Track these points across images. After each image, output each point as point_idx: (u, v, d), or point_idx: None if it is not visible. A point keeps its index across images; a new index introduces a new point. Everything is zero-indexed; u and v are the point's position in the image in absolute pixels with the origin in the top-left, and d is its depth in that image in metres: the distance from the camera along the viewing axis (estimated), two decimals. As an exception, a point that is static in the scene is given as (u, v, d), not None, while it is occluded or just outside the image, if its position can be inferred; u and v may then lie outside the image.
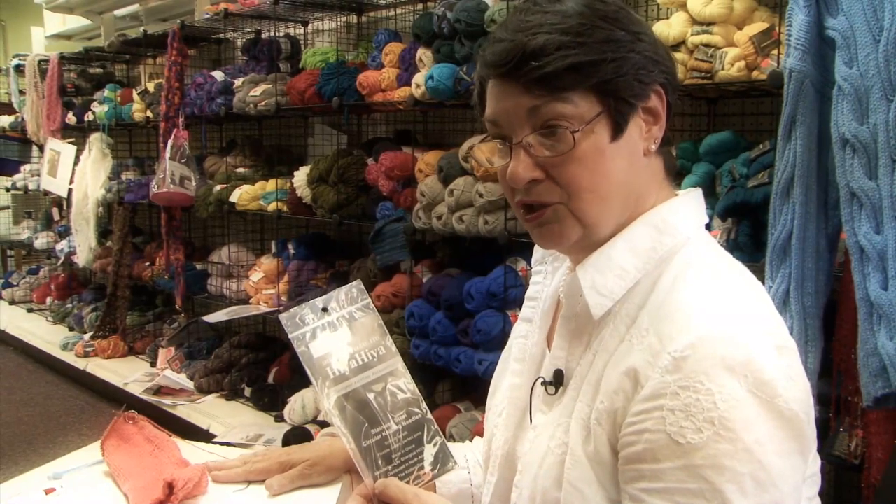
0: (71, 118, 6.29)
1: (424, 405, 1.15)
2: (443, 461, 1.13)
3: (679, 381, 0.89)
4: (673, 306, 0.96)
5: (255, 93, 4.29)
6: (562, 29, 0.96)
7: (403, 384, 1.14)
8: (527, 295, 1.25)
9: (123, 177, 5.81)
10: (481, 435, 1.29)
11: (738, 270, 1.03)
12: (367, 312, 1.16)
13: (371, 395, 1.11)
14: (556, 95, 0.97)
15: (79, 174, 5.90)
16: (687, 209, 1.06)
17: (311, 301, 1.15)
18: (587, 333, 1.05)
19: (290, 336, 1.12)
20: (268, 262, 4.61)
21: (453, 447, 1.35)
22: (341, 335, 1.14)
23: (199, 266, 5.14)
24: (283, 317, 1.13)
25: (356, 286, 1.18)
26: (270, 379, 4.46)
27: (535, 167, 1.00)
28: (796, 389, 0.91)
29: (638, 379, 0.93)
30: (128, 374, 5.13)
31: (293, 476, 1.22)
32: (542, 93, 0.97)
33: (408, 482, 1.09)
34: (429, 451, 1.12)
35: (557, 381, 1.07)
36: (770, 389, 0.89)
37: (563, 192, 1.00)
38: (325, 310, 1.14)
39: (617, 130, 0.99)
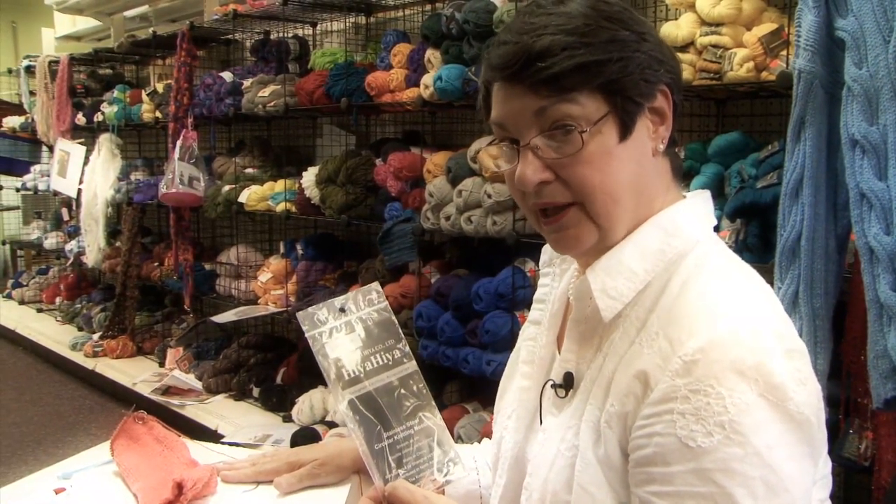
0: (80, 119, 6.31)
1: (437, 410, 1.15)
2: (453, 466, 1.14)
3: (689, 385, 0.89)
4: (682, 310, 0.96)
5: (263, 93, 4.30)
6: (567, 30, 0.96)
7: (417, 389, 1.15)
8: (535, 297, 1.24)
9: (132, 177, 5.83)
10: (489, 436, 1.29)
11: (746, 273, 1.03)
12: (383, 315, 1.17)
13: (384, 399, 1.12)
14: (562, 96, 0.96)
15: (88, 174, 5.93)
16: (695, 211, 1.06)
17: (328, 301, 1.15)
18: (597, 336, 1.05)
19: (306, 335, 1.12)
20: (276, 263, 4.61)
21: (462, 448, 1.35)
22: (357, 337, 1.14)
23: (207, 266, 5.15)
24: (300, 315, 1.13)
25: (374, 288, 1.18)
26: (279, 379, 4.46)
27: (544, 169, 0.99)
28: (806, 393, 0.91)
29: (648, 382, 0.93)
30: (136, 374, 5.15)
31: (302, 475, 1.23)
32: (549, 93, 0.96)
33: (418, 486, 1.09)
34: (439, 456, 1.13)
35: (567, 383, 1.07)
36: (780, 393, 0.88)
37: (574, 193, 1.00)
38: (342, 310, 1.15)
39: (624, 131, 0.99)
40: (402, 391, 1.13)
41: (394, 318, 1.18)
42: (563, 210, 1.01)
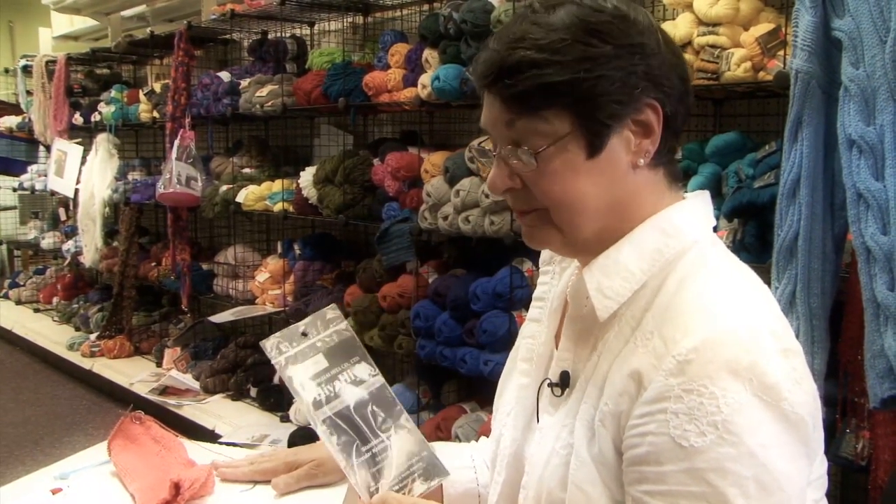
0: (78, 119, 6.30)
1: (409, 418, 1.18)
2: (435, 472, 1.15)
3: (683, 385, 0.89)
4: (678, 309, 0.96)
5: (261, 93, 4.30)
6: (540, 45, 0.95)
7: (388, 400, 1.18)
8: (534, 295, 1.25)
9: (130, 177, 5.82)
10: (487, 435, 1.30)
11: (743, 273, 1.03)
12: (344, 335, 1.20)
13: (358, 414, 1.14)
14: (528, 112, 0.98)
15: (85, 174, 5.92)
16: (694, 212, 1.06)
17: (290, 327, 1.18)
18: (593, 335, 1.05)
19: (273, 362, 1.15)
20: (274, 263, 4.61)
21: (460, 447, 1.36)
22: (322, 358, 1.17)
23: (205, 266, 5.15)
24: (264, 344, 1.15)
25: (331, 310, 1.22)
26: (276, 379, 4.46)
27: (512, 177, 1.02)
28: (802, 393, 0.91)
29: (642, 381, 0.93)
30: (134, 374, 5.14)
31: (299, 476, 1.23)
32: (517, 109, 0.98)
33: (403, 494, 1.11)
34: (418, 463, 1.14)
35: (563, 382, 1.07)
36: (775, 393, 0.88)
37: (539, 202, 1.02)
38: (304, 334, 1.17)
39: (592, 148, 0.98)
40: (374, 405, 1.16)
41: (355, 335, 1.22)
42: (529, 211, 1.04)
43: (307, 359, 1.16)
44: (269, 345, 1.15)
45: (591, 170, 0.99)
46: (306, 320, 1.19)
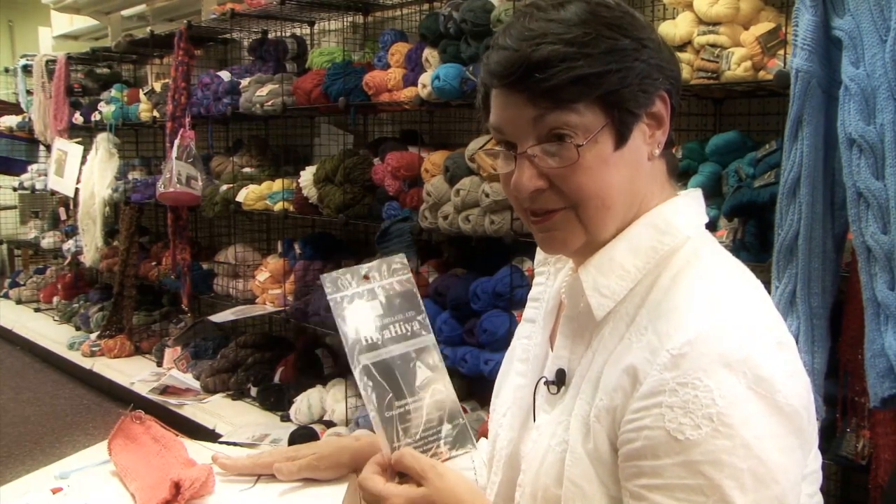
0: (78, 118, 6.31)
1: (450, 384, 1.15)
2: (461, 442, 1.13)
3: (678, 378, 0.90)
4: (671, 304, 0.96)
5: (261, 93, 4.30)
6: (566, 39, 0.95)
7: (432, 361, 1.14)
8: (530, 296, 1.25)
9: (130, 176, 5.83)
10: (486, 435, 1.30)
11: (737, 268, 1.03)
12: (406, 286, 1.16)
13: (399, 368, 1.11)
14: (560, 106, 0.96)
15: (85, 174, 5.92)
16: (687, 209, 1.07)
17: (354, 266, 1.15)
18: (588, 332, 1.06)
19: (328, 297, 1.11)
20: (274, 262, 4.61)
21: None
22: (378, 304, 1.14)
23: (205, 266, 5.15)
24: (324, 277, 1.12)
25: (399, 259, 1.18)
26: (276, 378, 4.46)
27: (540, 177, 1.00)
28: (795, 385, 0.92)
29: (637, 376, 0.94)
30: (134, 373, 5.14)
31: (302, 465, 1.23)
32: (547, 104, 0.97)
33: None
34: (448, 431, 1.13)
35: (560, 380, 1.07)
36: (769, 385, 0.89)
37: (568, 200, 1.00)
38: (366, 277, 1.14)
39: (620, 139, 0.99)
40: (418, 363, 1.13)
41: (416, 289, 1.17)
42: (553, 212, 1.02)
43: (363, 302, 1.13)
44: (329, 280, 1.12)
45: (618, 161, 0.99)
46: (372, 263, 1.16)
